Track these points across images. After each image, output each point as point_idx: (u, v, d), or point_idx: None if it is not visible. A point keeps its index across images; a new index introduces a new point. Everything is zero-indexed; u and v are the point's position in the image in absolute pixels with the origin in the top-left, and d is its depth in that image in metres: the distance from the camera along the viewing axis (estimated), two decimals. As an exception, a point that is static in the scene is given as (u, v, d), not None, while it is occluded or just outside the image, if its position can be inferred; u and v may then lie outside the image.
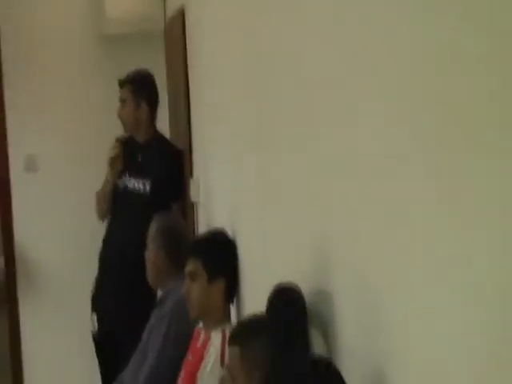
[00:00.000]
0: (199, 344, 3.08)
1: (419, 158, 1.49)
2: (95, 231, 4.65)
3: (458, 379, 1.38)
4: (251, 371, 2.11)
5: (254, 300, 2.37)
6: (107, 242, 4.55)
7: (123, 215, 4.48)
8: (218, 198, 3.78)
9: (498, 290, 1.23)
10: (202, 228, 4.17)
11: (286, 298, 2.08)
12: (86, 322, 4.58)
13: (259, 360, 2.08)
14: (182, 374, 3.13)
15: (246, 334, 2.21)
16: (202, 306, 3.05)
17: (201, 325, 3.15)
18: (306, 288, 2.09)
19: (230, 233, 3.24)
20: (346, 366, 1.79)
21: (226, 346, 2.81)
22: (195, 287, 3.04)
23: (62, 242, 5.42)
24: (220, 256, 3.11)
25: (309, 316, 2.05)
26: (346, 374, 1.69)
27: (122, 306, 4.38)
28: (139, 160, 4.50)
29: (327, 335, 2.06)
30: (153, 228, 3.70)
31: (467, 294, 1.32)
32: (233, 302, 3.15)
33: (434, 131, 1.41)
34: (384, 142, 1.66)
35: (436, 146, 1.41)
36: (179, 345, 3.30)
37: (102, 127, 5.21)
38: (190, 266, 3.06)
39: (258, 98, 2.80)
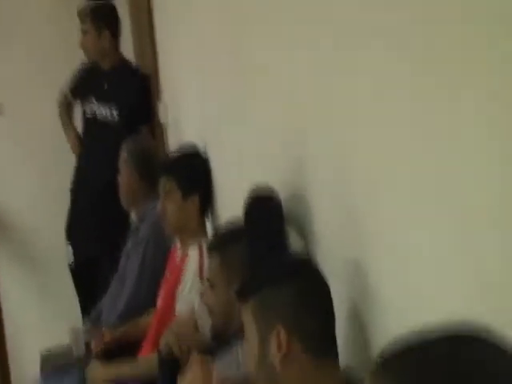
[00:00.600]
0: (177, 261, 3.08)
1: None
2: (63, 171, 4.64)
3: (429, 265, 1.39)
4: (231, 278, 2.11)
5: (230, 213, 2.35)
6: (79, 171, 4.54)
7: (93, 143, 4.47)
8: (189, 115, 3.76)
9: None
10: (172, 148, 4.15)
11: (262, 202, 2.07)
12: (61, 255, 4.58)
13: (239, 266, 2.07)
14: (162, 293, 3.14)
15: (224, 242, 2.20)
16: (177, 222, 3.05)
17: (177, 242, 3.14)
18: (282, 191, 2.08)
19: (201, 148, 3.23)
20: (324, 261, 1.79)
21: (204, 259, 2.83)
22: (170, 204, 3.04)
23: (32, 183, 5.36)
24: (193, 172, 3.11)
25: (286, 217, 2.04)
26: (324, 270, 1.69)
27: (97, 234, 4.39)
28: (105, 87, 4.46)
29: (304, 234, 2.06)
30: (124, 152, 3.68)
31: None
32: (208, 216, 3.15)
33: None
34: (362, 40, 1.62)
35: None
36: (157, 268, 3.32)
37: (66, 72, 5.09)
38: (164, 184, 3.05)
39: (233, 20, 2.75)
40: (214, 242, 2.25)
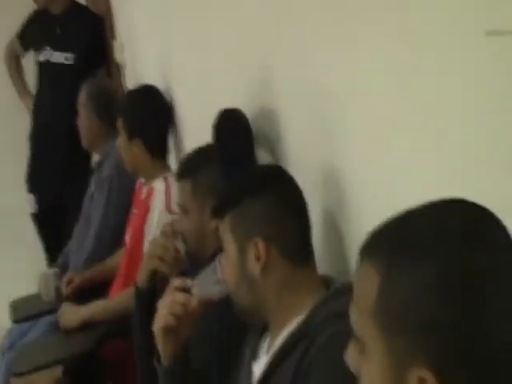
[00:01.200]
0: (143, 196, 3.07)
1: None
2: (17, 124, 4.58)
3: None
4: (203, 201, 2.11)
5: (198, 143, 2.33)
6: (37, 118, 4.49)
7: (50, 89, 4.41)
8: (147, 52, 3.72)
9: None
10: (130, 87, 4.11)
11: (230, 122, 2.07)
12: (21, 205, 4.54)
13: (210, 189, 2.07)
14: (129, 231, 3.13)
15: (193, 166, 2.19)
16: (129, 161, 3.07)
17: (142, 179, 3.13)
18: (250, 111, 2.08)
19: (162, 83, 3.20)
20: (297, 174, 1.78)
21: (171, 192, 2.83)
22: (120, 143, 3.07)
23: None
24: (137, 114, 3.07)
25: (255, 136, 2.04)
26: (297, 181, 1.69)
27: (62, 180, 4.35)
28: (58, 32, 4.38)
29: (275, 151, 2.07)
30: (82, 94, 3.64)
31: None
32: (164, 156, 3.13)
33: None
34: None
35: None
36: (122, 206, 3.30)
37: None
38: (117, 123, 3.08)
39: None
40: (183, 167, 2.23)
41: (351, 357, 0.99)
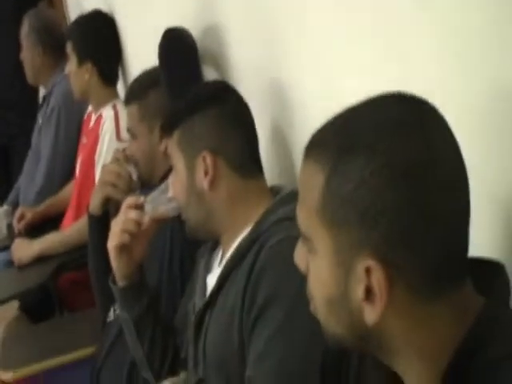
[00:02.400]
0: (91, 125, 3.04)
1: None
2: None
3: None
4: (152, 124, 2.10)
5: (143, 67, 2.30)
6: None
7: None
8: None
9: None
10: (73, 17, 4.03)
11: (175, 42, 2.04)
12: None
13: (158, 112, 2.05)
14: (80, 160, 3.10)
15: (140, 89, 2.17)
16: (78, 87, 3.03)
17: (90, 108, 3.10)
18: (195, 30, 2.05)
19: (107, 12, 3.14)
20: (244, 89, 1.78)
21: (120, 119, 2.80)
22: (70, 68, 3.02)
23: None
24: (86, 38, 3.03)
25: (201, 56, 2.02)
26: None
27: (8, 116, 4.26)
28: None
29: (221, 70, 2.06)
30: (24, 27, 3.57)
31: None
32: (114, 82, 3.09)
33: None
34: None
35: None
36: (71, 137, 3.27)
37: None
38: (67, 49, 3.04)
39: None
40: (130, 91, 2.21)
41: (299, 256, 1.00)
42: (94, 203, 2.18)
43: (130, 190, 2.10)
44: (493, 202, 1.08)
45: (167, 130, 1.63)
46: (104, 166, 2.24)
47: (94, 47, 3.02)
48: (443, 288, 0.90)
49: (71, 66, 3.02)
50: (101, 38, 3.06)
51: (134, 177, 2.13)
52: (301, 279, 1.00)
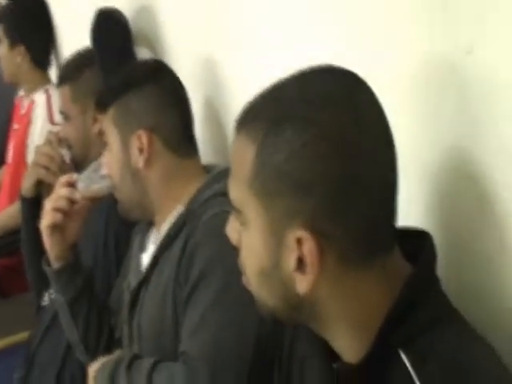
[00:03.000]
0: (23, 111, 2.99)
1: None
2: None
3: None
4: (85, 106, 2.08)
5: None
6: None
7: None
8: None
9: None
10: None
11: (108, 22, 2.03)
12: None
13: (91, 92, 2.02)
14: (11, 146, 3.06)
15: (72, 70, 2.14)
16: (9, 71, 3.00)
17: (21, 93, 3.05)
18: (128, 11, 2.04)
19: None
20: (178, 67, 1.78)
21: (53, 103, 2.77)
22: (1, 52, 2.98)
23: None
24: (21, 20, 3.01)
25: (134, 36, 2.01)
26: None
27: None
28: None
29: (155, 50, 2.05)
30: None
31: None
32: (46, 67, 3.05)
33: None
34: None
35: None
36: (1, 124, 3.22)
37: None
38: None
39: None
40: (62, 72, 2.18)
41: (231, 229, 1.01)
42: (27, 185, 2.16)
43: (62, 173, 2.07)
44: (421, 174, 1.11)
45: (102, 106, 1.62)
46: (37, 148, 2.21)
47: (27, 30, 2.98)
48: (372, 256, 0.92)
49: (2, 49, 2.97)
50: (33, 21, 3.03)
51: (67, 159, 2.11)
52: (234, 253, 1.01)
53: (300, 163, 0.88)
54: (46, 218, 1.66)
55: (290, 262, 0.91)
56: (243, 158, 0.93)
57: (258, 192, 0.92)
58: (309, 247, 0.89)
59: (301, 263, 0.90)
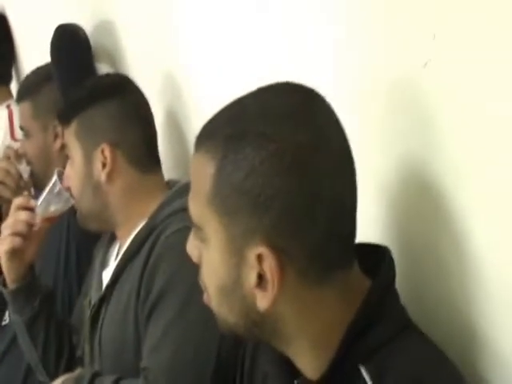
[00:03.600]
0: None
1: None
2: None
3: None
4: (46, 121, 2.06)
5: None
6: None
7: None
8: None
9: None
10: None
11: (68, 37, 2.01)
12: None
13: (52, 108, 2.01)
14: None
15: (32, 86, 2.12)
16: None
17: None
18: (87, 25, 2.03)
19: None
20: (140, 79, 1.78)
21: (14, 119, 2.74)
22: None
23: None
24: None
25: (94, 51, 2.00)
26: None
27: None
28: None
29: (115, 65, 2.04)
30: None
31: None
32: (7, 82, 3.02)
33: None
34: None
35: None
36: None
37: None
38: None
39: None
40: (22, 88, 2.16)
41: (191, 247, 1.00)
42: None
43: (18, 189, 2.05)
44: (378, 189, 1.11)
45: (64, 118, 1.60)
46: None
47: None
48: (331, 272, 0.91)
49: None
50: None
51: (25, 176, 2.09)
52: (195, 269, 1.00)
53: (259, 180, 0.88)
54: (5, 244, 1.63)
55: (251, 278, 0.90)
56: (203, 175, 0.92)
57: (218, 209, 0.91)
58: (269, 264, 0.88)
59: (261, 280, 0.90)
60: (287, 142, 0.88)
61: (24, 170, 2.09)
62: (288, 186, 0.87)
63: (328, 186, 0.89)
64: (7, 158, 2.10)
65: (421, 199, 1.03)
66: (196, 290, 1.22)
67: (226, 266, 0.92)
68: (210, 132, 0.94)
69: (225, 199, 0.90)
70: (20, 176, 2.07)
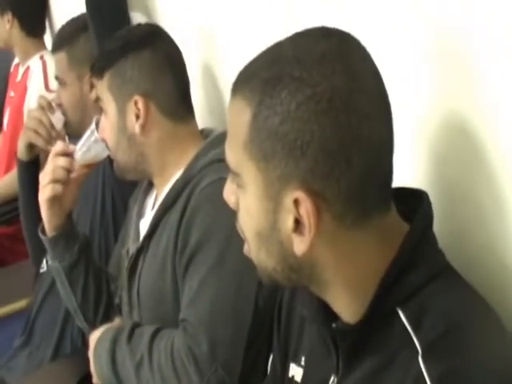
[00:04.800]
0: (19, 78, 2.97)
1: None
2: None
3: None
4: (81, 71, 2.06)
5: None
6: None
7: None
8: None
9: None
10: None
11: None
12: None
13: (87, 58, 2.00)
14: (8, 113, 3.04)
15: (68, 36, 2.11)
16: (1, 38, 2.98)
17: (16, 60, 3.03)
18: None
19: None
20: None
21: (48, 70, 2.75)
22: None
23: None
24: None
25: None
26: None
27: None
28: None
29: (150, 16, 2.03)
30: None
31: None
32: (41, 34, 3.03)
33: None
34: None
35: None
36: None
37: None
38: None
39: None
40: (57, 38, 2.15)
41: (228, 193, 1.00)
42: (20, 148, 2.15)
43: (51, 138, 2.06)
44: (417, 134, 1.10)
45: (97, 71, 1.60)
46: (29, 112, 2.19)
47: None
48: (368, 216, 0.91)
49: None
50: None
51: (59, 125, 2.09)
52: (232, 219, 1.00)
53: (295, 124, 0.88)
54: (45, 192, 1.64)
55: (288, 223, 0.91)
56: (239, 120, 0.92)
57: (255, 155, 0.91)
58: (306, 208, 0.89)
59: (298, 225, 0.90)
60: (323, 86, 0.87)
61: (58, 119, 2.09)
62: (324, 130, 0.87)
63: (364, 128, 0.88)
64: (41, 107, 2.11)
65: (460, 144, 1.02)
66: (233, 239, 1.24)
67: (263, 211, 0.93)
68: (247, 77, 0.94)
69: (261, 144, 0.90)
70: (52, 126, 2.08)
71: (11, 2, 2.93)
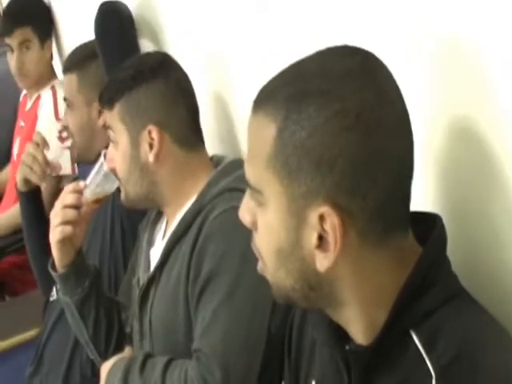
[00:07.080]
0: (28, 108, 2.98)
1: None
2: None
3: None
4: (91, 96, 2.04)
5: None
6: None
7: None
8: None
9: None
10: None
11: (110, 15, 2.01)
12: None
13: (97, 83, 2.00)
14: (17, 143, 3.04)
15: (80, 59, 2.10)
16: (39, 70, 2.96)
17: (24, 91, 3.04)
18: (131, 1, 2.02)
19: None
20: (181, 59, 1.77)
21: (58, 99, 2.76)
22: (32, 56, 2.95)
23: None
24: (47, 15, 3.02)
25: (137, 28, 1.99)
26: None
27: None
28: None
29: (158, 42, 2.03)
30: None
31: None
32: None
33: None
34: None
35: None
36: (5, 121, 3.21)
37: None
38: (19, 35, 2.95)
39: None
40: (68, 61, 2.14)
41: (244, 210, 0.99)
42: (18, 181, 2.15)
43: (44, 175, 2.07)
44: (427, 157, 1.09)
45: (108, 101, 1.58)
46: (26, 147, 2.17)
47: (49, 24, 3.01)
48: (390, 234, 0.91)
49: (33, 52, 2.94)
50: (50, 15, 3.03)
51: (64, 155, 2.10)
52: (245, 248, 0.99)
53: (322, 139, 0.87)
54: (56, 233, 1.62)
55: (311, 239, 0.90)
56: (262, 137, 0.91)
57: (278, 171, 0.90)
58: (332, 223, 0.88)
59: (321, 241, 0.89)
60: (351, 101, 0.87)
61: (62, 148, 2.09)
62: (352, 145, 0.87)
63: (391, 145, 0.88)
64: (35, 144, 2.10)
65: (472, 166, 1.01)
66: (245, 269, 1.22)
67: (285, 228, 0.91)
68: (269, 94, 0.93)
69: (286, 160, 0.89)
70: (47, 163, 2.09)
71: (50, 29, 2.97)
